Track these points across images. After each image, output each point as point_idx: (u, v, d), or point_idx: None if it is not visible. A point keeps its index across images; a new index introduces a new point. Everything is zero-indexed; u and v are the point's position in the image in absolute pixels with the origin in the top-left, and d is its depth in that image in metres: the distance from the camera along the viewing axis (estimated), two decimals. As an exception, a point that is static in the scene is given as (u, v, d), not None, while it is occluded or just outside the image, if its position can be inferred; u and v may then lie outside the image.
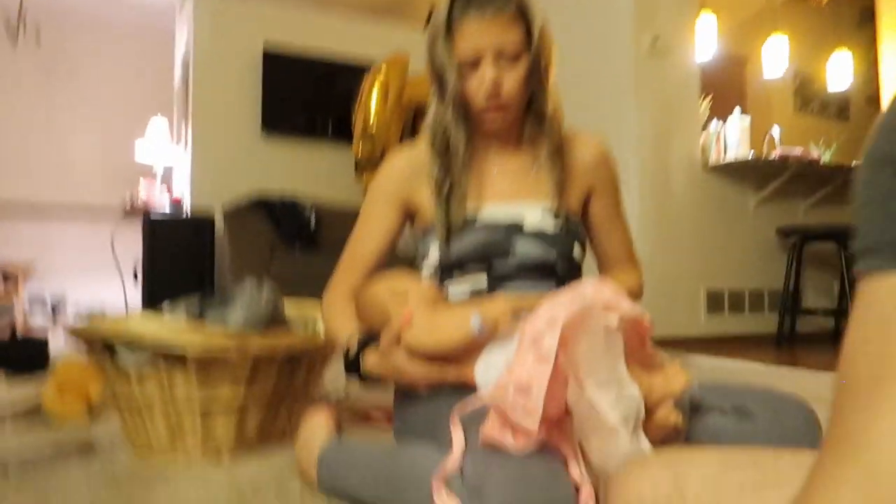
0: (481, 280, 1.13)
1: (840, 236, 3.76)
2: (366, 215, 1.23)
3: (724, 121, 3.82)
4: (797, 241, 3.82)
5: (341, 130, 4.76)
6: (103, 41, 6.00)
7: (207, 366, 1.24)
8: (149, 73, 6.02)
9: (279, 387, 1.38)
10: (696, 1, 3.80)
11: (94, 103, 5.96)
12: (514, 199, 1.16)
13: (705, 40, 3.86)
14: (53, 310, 5.44)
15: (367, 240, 1.21)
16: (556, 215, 1.14)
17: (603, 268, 1.26)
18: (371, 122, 3.85)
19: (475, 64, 1.08)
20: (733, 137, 3.77)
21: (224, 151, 4.62)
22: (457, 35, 1.07)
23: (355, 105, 4.30)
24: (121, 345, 1.23)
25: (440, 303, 1.05)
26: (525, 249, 1.12)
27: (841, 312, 3.97)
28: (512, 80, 1.08)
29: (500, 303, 0.91)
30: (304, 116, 4.84)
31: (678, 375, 0.91)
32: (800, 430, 0.96)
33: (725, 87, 6.26)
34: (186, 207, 4.52)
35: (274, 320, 1.33)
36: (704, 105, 3.89)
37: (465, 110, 1.14)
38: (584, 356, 0.81)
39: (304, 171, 4.80)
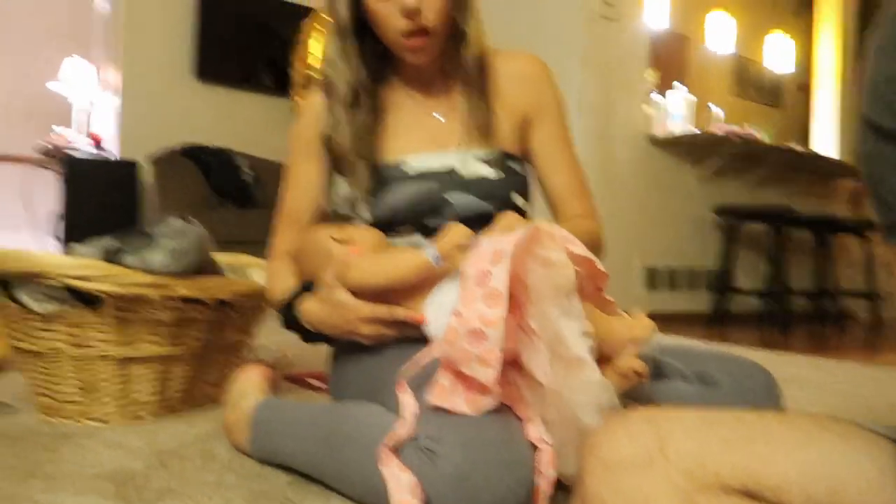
0: (416, 240, 1.01)
1: (774, 218, 3.85)
2: (290, 169, 1.11)
3: (665, 95, 3.82)
4: (733, 222, 3.89)
5: (280, 81, 4.55)
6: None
7: (125, 310, 1.12)
8: (64, 6, 5.58)
9: (207, 340, 1.26)
10: (649, -31, 3.77)
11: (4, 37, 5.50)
12: (441, 145, 1.03)
13: (655, 11, 3.84)
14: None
15: (297, 195, 1.10)
16: (490, 159, 1.02)
17: (555, 210, 1.12)
18: (312, 71, 3.68)
19: None
20: (677, 112, 3.78)
21: (153, 97, 4.33)
22: None
23: (293, 53, 4.12)
24: (22, 280, 1.09)
25: (386, 247, 0.96)
26: (459, 202, 1.00)
27: (769, 293, 4.09)
28: (434, 1, 0.94)
29: (459, 230, 0.82)
30: (241, 64, 4.59)
31: (642, 321, 0.84)
32: (761, 393, 0.93)
33: (668, 63, 6.34)
34: (112, 150, 4.23)
35: (203, 264, 1.20)
36: (650, 76, 3.88)
37: (373, 45, 1.01)
38: (540, 286, 0.73)
39: (240, 124, 4.57)
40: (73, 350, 1.14)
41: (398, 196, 1.01)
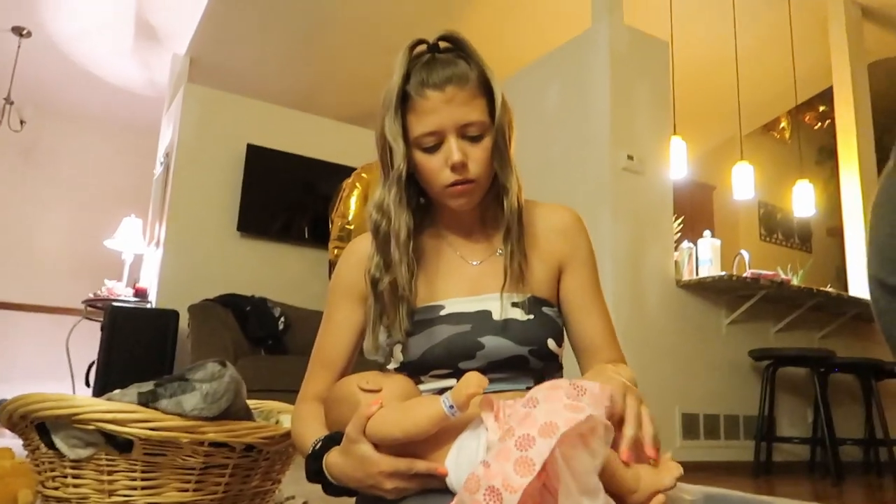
0: (449, 384, 1.00)
1: (812, 361, 3.76)
2: (329, 313, 1.12)
3: (695, 243, 3.90)
4: (770, 365, 3.79)
5: (316, 234, 4.76)
6: (86, 131, 6.06)
7: (155, 454, 1.12)
8: (129, 169, 6.05)
9: (232, 487, 1.25)
10: (669, 125, 3.98)
11: (69, 196, 5.93)
12: (477, 290, 1.05)
13: (677, 163, 4.01)
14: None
15: (333, 339, 1.10)
16: (524, 304, 1.03)
17: (586, 355, 1.11)
18: (349, 225, 3.85)
19: (436, 145, 0.99)
20: (705, 257, 3.83)
21: (196, 250, 4.55)
22: (412, 113, 0.99)
23: (332, 208, 4.33)
24: (58, 424, 1.11)
25: (415, 396, 0.96)
26: (492, 345, 1.00)
27: (816, 441, 3.89)
28: (478, 155, 1.00)
29: (473, 380, 0.81)
30: (281, 219, 4.84)
31: (669, 466, 0.81)
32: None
33: (695, 211, 6.50)
34: (152, 300, 4.39)
35: (236, 409, 1.22)
36: (676, 224, 3.98)
37: (418, 195, 1.07)
38: (577, 467, 0.72)
39: (277, 274, 4.74)
40: (101, 497, 1.13)
41: (433, 338, 1.01)
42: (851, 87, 4.96)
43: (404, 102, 1.00)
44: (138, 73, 5.69)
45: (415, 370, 1.01)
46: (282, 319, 4.09)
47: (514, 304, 1.03)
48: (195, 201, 4.63)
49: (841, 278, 5.61)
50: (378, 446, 0.86)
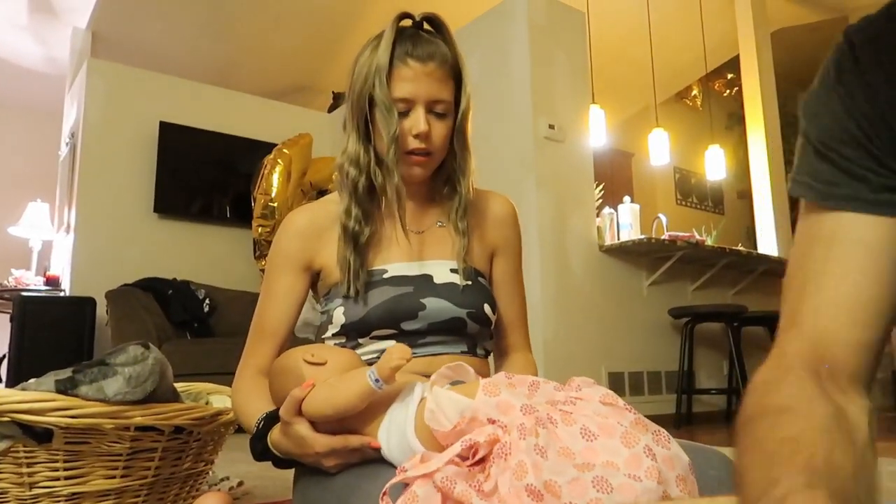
0: (388, 346, 1.01)
1: (726, 316, 3.96)
2: (268, 284, 1.12)
3: (615, 208, 4.02)
4: (688, 322, 3.98)
5: (239, 213, 4.64)
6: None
7: (77, 442, 1.08)
8: (31, 152, 5.70)
9: (162, 471, 1.22)
10: (587, 95, 4.06)
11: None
12: (419, 257, 1.11)
13: (596, 131, 4.10)
14: None
15: (273, 310, 1.10)
16: (463, 271, 1.10)
17: (499, 335, 1.20)
18: (272, 202, 3.77)
19: (405, 112, 1.04)
20: (625, 221, 3.96)
21: (111, 234, 4.35)
22: (393, 77, 1.04)
23: (254, 186, 4.22)
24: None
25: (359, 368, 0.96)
26: (434, 307, 1.05)
27: (732, 391, 4.13)
28: (440, 131, 1.06)
29: (395, 353, 0.83)
30: (201, 198, 4.68)
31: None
32: (725, 482, 0.94)
33: (615, 178, 6.69)
34: (66, 288, 4.18)
35: (162, 391, 1.19)
36: (597, 191, 4.08)
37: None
38: None
39: (199, 255, 4.59)
40: (21, 490, 1.08)
41: (376, 299, 1.04)
42: (756, 55, 5.18)
43: (390, 69, 1.04)
44: (35, 49, 5.34)
45: (356, 331, 1.04)
46: (206, 301, 3.98)
47: (453, 271, 1.09)
48: (106, 183, 4.41)
49: (751, 237, 5.93)
50: (316, 424, 0.87)
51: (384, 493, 0.73)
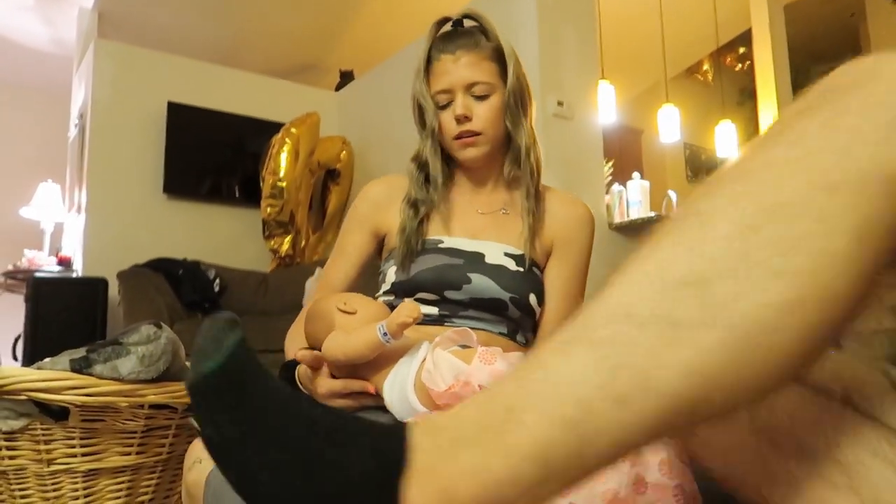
0: (431, 311, 1.09)
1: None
2: (339, 242, 1.24)
3: (625, 185, 3.99)
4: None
5: (248, 193, 4.64)
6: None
7: (93, 420, 1.10)
8: (41, 133, 5.72)
9: (178, 447, 1.24)
10: (596, 71, 4.02)
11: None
12: (480, 237, 1.15)
13: (605, 107, 4.07)
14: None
15: (338, 264, 1.22)
16: (518, 258, 1.12)
17: (539, 330, 1.19)
18: (280, 182, 3.77)
19: (448, 103, 1.12)
20: (635, 199, 3.93)
21: (121, 215, 4.37)
22: (431, 74, 1.14)
23: (262, 166, 4.22)
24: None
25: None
26: (479, 283, 1.08)
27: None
28: (482, 111, 1.12)
29: (404, 310, 0.86)
30: (210, 179, 4.68)
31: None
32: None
33: (624, 155, 6.63)
34: (78, 269, 4.22)
35: (175, 370, 1.20)
36: (607, 168, 4.06)
37: (441, 147, 1.17)
38: None
39: (209, 236, 4.61)
40: (39, 467, 1.11)
41: (427, 263, 1.10)
42: (769, 29, 5.10)
43: (428, 65, 1.14)
44: (42, 31, 5.33)
45: (404, 291, 1.10)
46: (217, 282, 4.00)
47: (508, 255, 1.12)
48: (116, 164, 4.42)
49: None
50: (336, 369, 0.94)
51: None
